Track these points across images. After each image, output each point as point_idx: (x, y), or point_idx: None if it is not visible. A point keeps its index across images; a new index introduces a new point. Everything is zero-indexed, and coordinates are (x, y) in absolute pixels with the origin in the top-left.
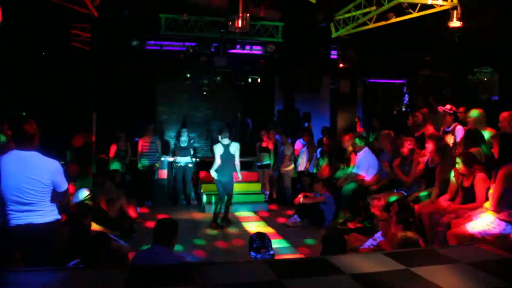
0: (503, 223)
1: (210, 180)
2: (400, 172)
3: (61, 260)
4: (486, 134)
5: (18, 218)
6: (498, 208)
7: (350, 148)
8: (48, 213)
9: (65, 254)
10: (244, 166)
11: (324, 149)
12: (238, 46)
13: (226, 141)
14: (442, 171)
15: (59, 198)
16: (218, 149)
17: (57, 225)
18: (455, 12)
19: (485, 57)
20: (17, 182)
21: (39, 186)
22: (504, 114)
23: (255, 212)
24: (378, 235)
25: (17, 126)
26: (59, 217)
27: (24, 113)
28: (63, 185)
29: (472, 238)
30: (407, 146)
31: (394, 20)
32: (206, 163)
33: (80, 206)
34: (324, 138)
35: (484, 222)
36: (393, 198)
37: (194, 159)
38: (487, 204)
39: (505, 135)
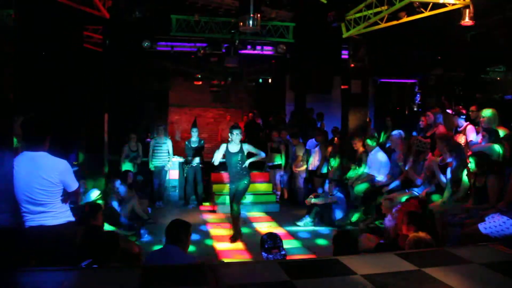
0: None
1: (221, 181)
2: (413, 173)
3: (74, 260)
4: (500, 133)
5: (31, 220)
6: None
7: (361, 149)
8: (60, 215)
9: (78, 255)
10: (255, 166)
11: (336, 149)
12: (249, 47)
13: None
14: (454, 170)
15: (71, 199)
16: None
17: (70, 227)
18: (467, 10)
19: (498, 56)
20: (28, 182)
21: (49, 186)
22: None
23: (266, 213)
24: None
25: (29, 127)
26: (72, 219)
27: (33, 114)
28: (73, 185)
29: (485, 238)
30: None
31: (405, 19)
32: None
33: (91, 206)
34: (336, 139)
35: (497, 222)
36: (404, 198)
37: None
38: (500, 204)
39: None
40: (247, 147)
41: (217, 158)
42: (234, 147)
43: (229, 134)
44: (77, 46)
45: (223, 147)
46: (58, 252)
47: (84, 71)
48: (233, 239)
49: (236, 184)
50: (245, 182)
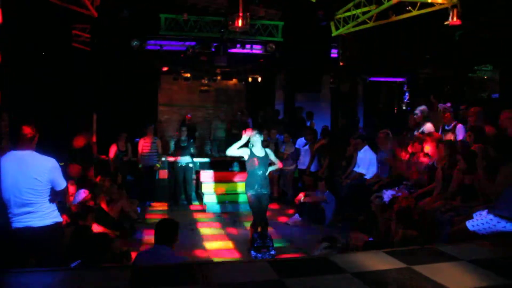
0: (504, 221)
1: (212, 180)
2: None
3: (63, 261)
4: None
5: (18, 221)
6: (499, 205)
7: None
8: (47, 216)
9: (67, 255)
10: (244, 165)
11: (325, 148)
12: (238, 46)
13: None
14: (444, 168)
15: (58, 198)
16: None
17: (57, 228)
18: (455, 10)
19: (486, 55)
20: (16, 181)
21: (37, 185)
22: (505, 114)
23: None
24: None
25: (16, 127)
26: (59, 219)
27: (24, 114)
28: (61, 184)
29: (473, 236)
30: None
31: (394, 18)
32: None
33: (81, 207)
34: (322, 140)
35: (484, 219)
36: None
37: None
38: (488, 202)
39: (501, 136)
40: (269, 152)
41: (233, 152)
42: (259, 151)
43: (251, 138)
44: (65, 45)
45: (245, 151)
46: (46, 254)
47: (72, 70)
48: None
49: (257, 192)
50: (267, 192)
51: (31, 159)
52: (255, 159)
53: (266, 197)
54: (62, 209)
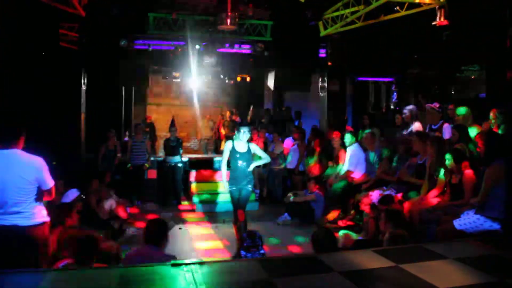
0: (490, 220)
1: (201, 180)
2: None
3: (50, 261)
4: (474, 131)
5: (4, 219)
6: (485, 205)
7: (339, 146)
8: (33, 215)
9: (56, 256)
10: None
11: (315, 147)
12: (227, 45)
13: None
14: (432, 166)
15: (46, 198)
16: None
17: (44, 227)
18: (442, 10)
19: (473, 55)
20: (2, 180)
21: (24, 184)
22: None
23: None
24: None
25: (4, 126)
26: (46, 219)
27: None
28: (49, 183)
29: (460, 234)
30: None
31: (382, 18)
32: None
33: (64, 205)
34: (313, 141)
35: (471, 218)
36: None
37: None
38: (474, 201)
39: (490, 133)
40: (254, 147)
41: (225, 160)
42: (241, 146)
43: (236, 132)
44: (53, 44)
45: (228, 146)
46: (32, 253)
47: (60, 69)
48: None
49: (238, 187)
50: (249, 187)
51: (18, 157)
52: (237, 155)
53: (247, 192)
54: (48, 208)
